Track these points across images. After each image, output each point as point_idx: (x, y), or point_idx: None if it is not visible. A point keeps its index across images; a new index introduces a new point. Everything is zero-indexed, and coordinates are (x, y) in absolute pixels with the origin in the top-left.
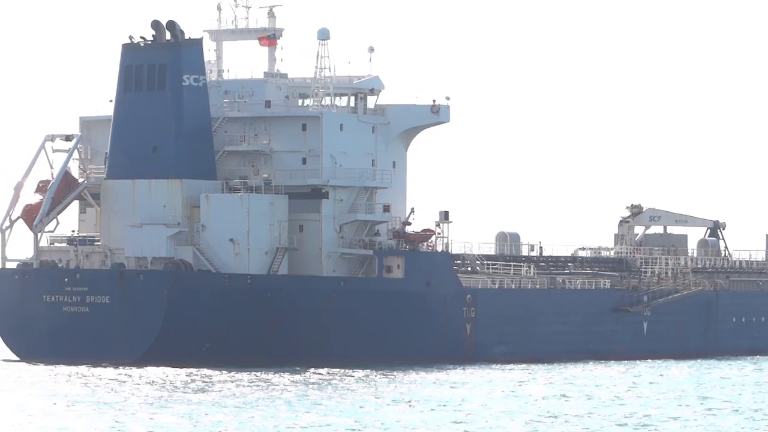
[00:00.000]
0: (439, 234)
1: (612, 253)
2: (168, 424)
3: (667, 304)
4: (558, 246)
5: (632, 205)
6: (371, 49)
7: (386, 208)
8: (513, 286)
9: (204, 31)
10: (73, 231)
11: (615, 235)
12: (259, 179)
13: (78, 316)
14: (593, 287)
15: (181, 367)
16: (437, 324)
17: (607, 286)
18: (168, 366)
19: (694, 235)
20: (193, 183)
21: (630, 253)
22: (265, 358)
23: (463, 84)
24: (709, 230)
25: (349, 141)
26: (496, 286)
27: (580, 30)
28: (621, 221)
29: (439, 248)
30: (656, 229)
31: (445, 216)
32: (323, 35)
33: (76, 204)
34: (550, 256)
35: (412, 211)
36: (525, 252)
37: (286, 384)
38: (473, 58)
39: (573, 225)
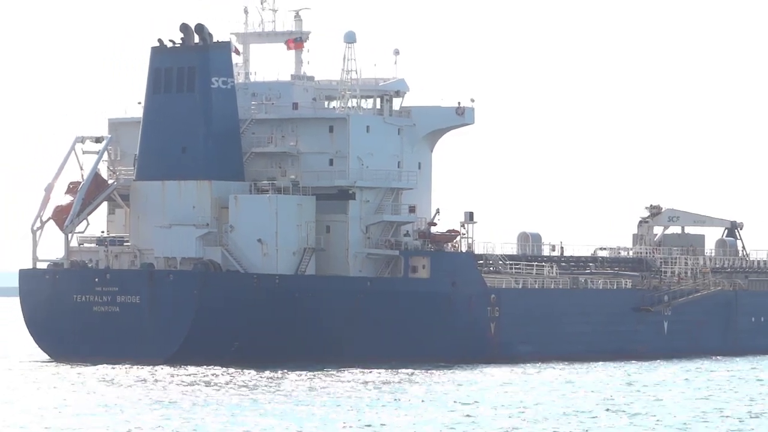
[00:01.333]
0: (464, 234)
1: (631, 253)
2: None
3: (687, 304)
4: (577, 246)
5: (651, 205)
6: (396, 52)
7: (412, 209)
8: (536, 286)
9: (231, 33)
10: (102, 231)
11: (633, 235)
12: (287, 180)
13: (108, 315)
14: (615, 287)
15: (210, 366)
16: (462, 324)
17: (628, 286)
18: (198, 365)
19: (712, 235)
20: (222, 184)
21: (649, 253)
22: (292, 357)
23: (488, 86)
24: (726, 230)
25: (376, 142)
26: (520, 286)
27: (600, 34)
28: (640, 221)
29: (463, 248)
30: (674, 229)
31: (469, 216)
32: (350, 38)
33: (104, 205)
34: (571, 256)
35: (438, 211)
36: (546, 252)
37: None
38: (497, 61)
39: (591, 225)
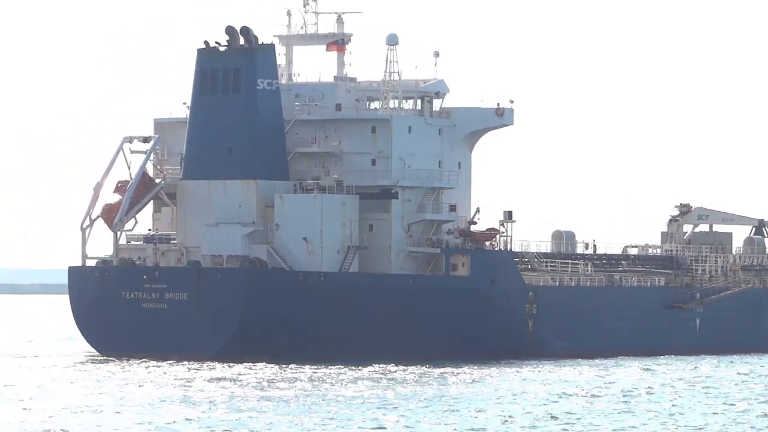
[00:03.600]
0: (503, 233)
1: (659, 251)
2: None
3: (718, 301)
4: (608, 244)
5: (681, 204)
6: (436, 54)
7: (452, 208)
8: (572, 284)
9: (274, 36)
10: (150, 230)
11: (662, 233)
12: (331, 180)
13: (156, 312)
14: (648, 285)
15: (258, 362)
16: (501, 320)
17: (661, 284)
18: (246, 362)
19: (739, 234)
20: (267, 183)
21: (679, 251)
22: (336, 353)
23: (526, 88)
24: (754, 228)
25: (417, 143)
26: (557, 284)
27: (633, 38)
28: (670, 220)
29: (501, 247)
30: (703, 227)
31: (508, 215)
32: (392, 41)
33: (150, 203)
34: (604, 254)
35: (478, 210)
36: (580, 250)
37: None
38: (536, 64)
39: (620, 223)
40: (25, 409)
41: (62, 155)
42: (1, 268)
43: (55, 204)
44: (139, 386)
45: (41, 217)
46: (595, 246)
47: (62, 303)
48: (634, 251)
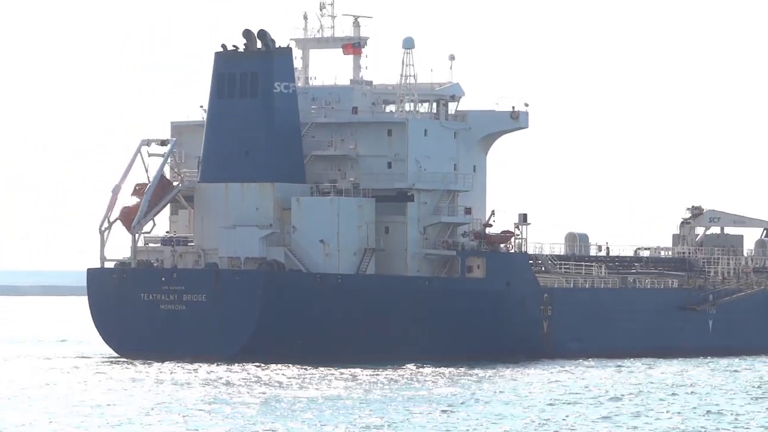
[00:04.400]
0: (518, 235)
1: (671, 253)
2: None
3: (731, 303)
4: (620, 246)
5: (693, 206)
6: (452, 57)
7: (467, 211)
8: (586, 286)
9: (291, 39)
10: (167, 232)
11: (674, 235)
12: (347, 182)
13: (175, 314)
14: (662, 286)
15: (276, 364)
16: (516, 322)
17: (674, 286)
18: (263, 362)
19: (750, 236)
20: (284, 186)
21: (691, 253)
22: (353, 354)
23: (541, 91)
24: (765, 231)
25: (433, 146)
26: (571, 286)
27: (646, 42)
28: (682, 222)
29: (515, 249)
30: (714, 230)
31: (523, 218)
32: (408, 44)
33: (167, 205)
34: (617, 256)
35: (493, 213)
36: (593, 252)
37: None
38: (551, 68)
39: (632, 225)
40: (74, 407)
41: (79, 158)
42: (1, 270)
43: (73, 207)
44: (189, 388)
45: (40, 217)
46: (608, 248)
47: (61, 304)
48: (646, 253)
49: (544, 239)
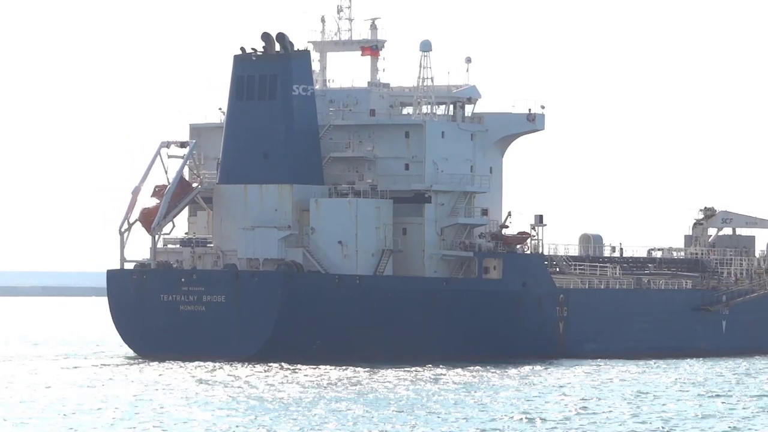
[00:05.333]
0: (534, 236)
1: (683, 254)
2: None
3: (744, 304)
4: (633, 247)
5: (705, 207)
6: (468, 60)
7: (484, 212)
8: (601, 286)
9: (308, 42)
10: (186, 233)
11: (686, 236)
12: (365, 184)
13: (194, 314)
14: (676, 287)
15: (295, 364)
16: (532, 322)
17: (688, 287)
18: (283, 362)
19: (762, 237)
20: (302, 188)
21: (704, 254)
22: (371, 354)
23: (557, 94)
24: None
25: (450, 148)
26: (587, 287)
27: (661, 45)
28: (695, 223)
29: (531, 250)
30: (726, 230)
31: (539, 219)
32: (425, 47)
33: (186, 207)
34: (630, 257)
35: (509, 214)
36: (607, 253)
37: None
38: (566, 70)
39: (643, 226)
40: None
41: (99, 160)
42: (1, 271)
43: (93, 208)
44: (224, 387)
45: (59, 219)
46: (621, 249)
47: (100, 306)
48: (658, 254)
49: (558, 240)
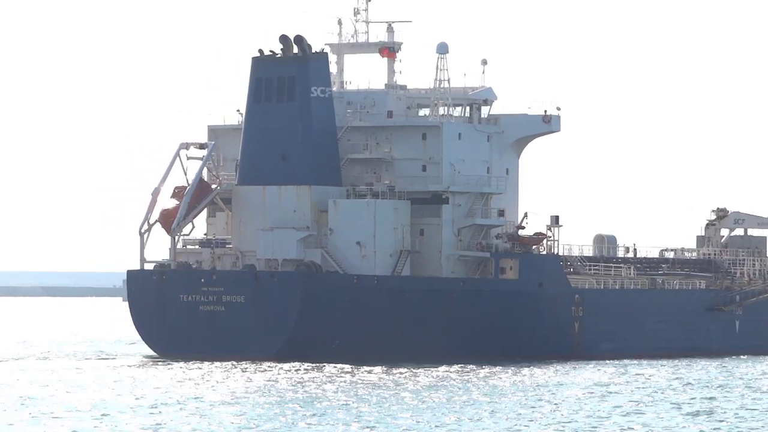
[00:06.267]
0: (550, 237)
1: (695, 254)
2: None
3: (757, 304)
4: (646, 248)
5: (718, 208)
6: (484, 62)
7: (501, 213)
8: (616, 287)
9: (326, 44)
10: (205, 234)
11: (698, 237)
12: (383, 185)
13: (214, 314)
14: (690, 288)
15: (314, 363)
16: (548, 322)
17: (702, 287)
18: (302, 362)
19: None
20: (321, 189)
21: (717, 254)
22: (389, 354)
23: (573, 96)
24: None
25: (467, 149)
26: (602, 287)
27: (676, 47)
28: (707, 224)
29: (546, 251)
30: (738, 231)
31: (555, 220)
32: (442, 49)
33: (205, 208)
34: (644, 258)
35: (526, 215)
36: (621, 254)
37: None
38: (582, 72)
39: (655, 227)
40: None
41: (120, 161)
42: (2, 271)
43: (113, 209)
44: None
45: (41, 219)
46: (635, 250)
47: (120, 306)
48: (670, 255)
49: (572, 241)
